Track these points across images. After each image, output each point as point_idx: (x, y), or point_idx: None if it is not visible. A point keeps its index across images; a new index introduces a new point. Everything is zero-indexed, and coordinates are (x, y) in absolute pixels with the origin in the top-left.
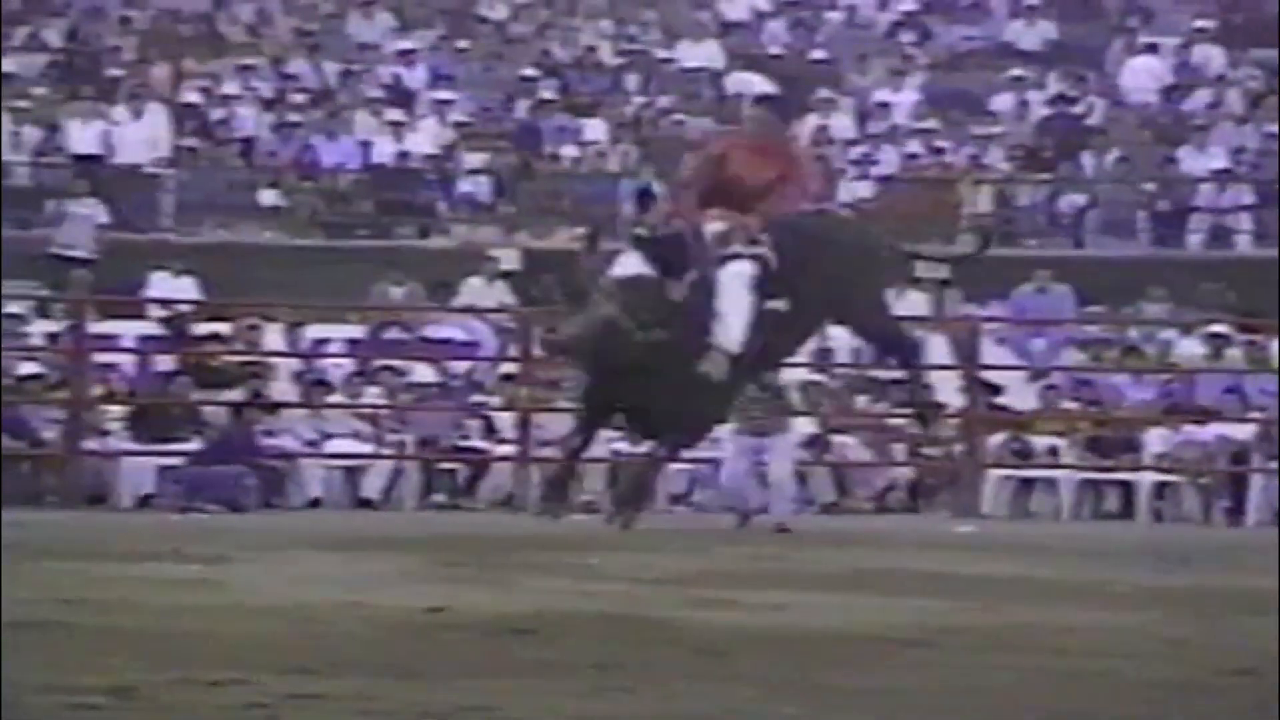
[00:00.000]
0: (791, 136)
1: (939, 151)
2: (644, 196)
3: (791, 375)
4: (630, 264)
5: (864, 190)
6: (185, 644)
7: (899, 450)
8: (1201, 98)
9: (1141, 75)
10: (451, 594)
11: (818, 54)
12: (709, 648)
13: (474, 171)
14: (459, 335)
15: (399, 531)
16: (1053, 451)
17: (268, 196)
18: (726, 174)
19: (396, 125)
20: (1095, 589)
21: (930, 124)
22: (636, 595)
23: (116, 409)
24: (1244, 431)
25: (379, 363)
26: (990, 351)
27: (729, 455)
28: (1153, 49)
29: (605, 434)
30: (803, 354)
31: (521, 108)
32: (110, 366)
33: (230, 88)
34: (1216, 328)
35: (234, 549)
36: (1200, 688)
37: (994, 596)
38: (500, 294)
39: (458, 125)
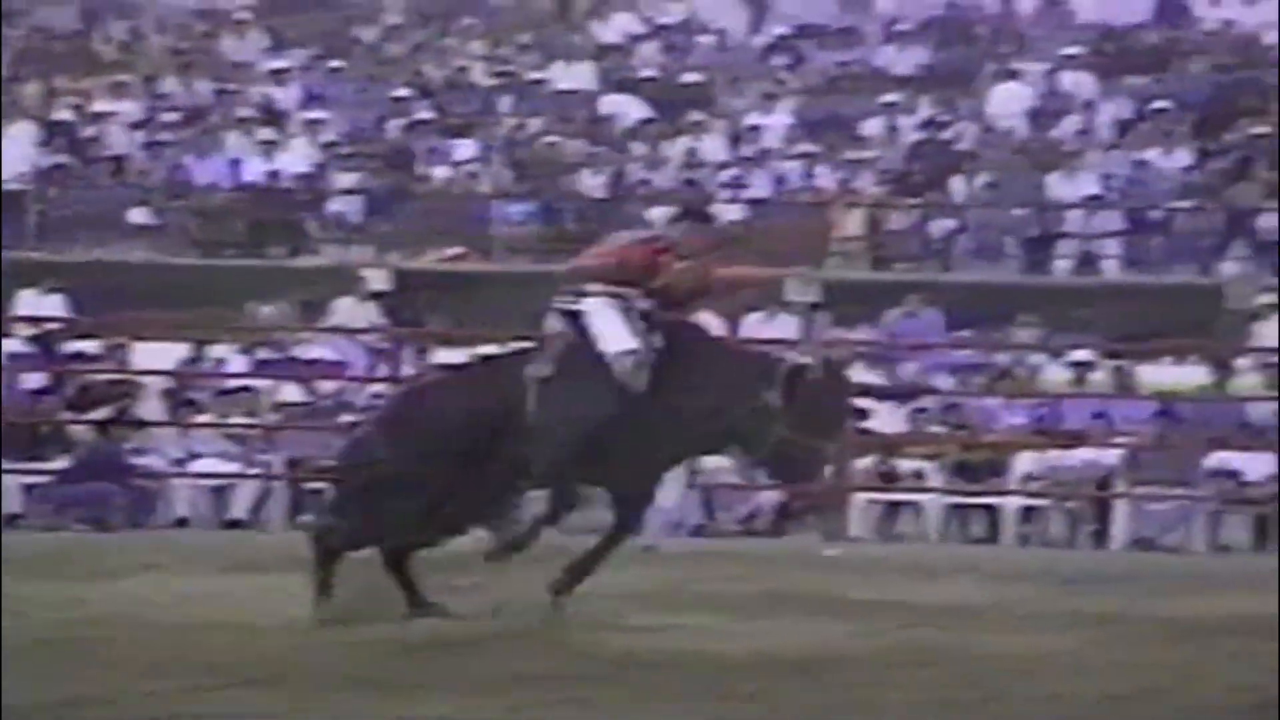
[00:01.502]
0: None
1: (810, 175)
2: None
3: None
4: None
5: (734, 214)
6: (72, 662)
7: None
8: (1071, 124)
9: (1010, 101)
10: (351, 612)
11: (690, 77)
12: (616, 669)
13: (346, 191)
14: (329, 355)
15: (271, 550)
16: (919, 475)
17: (139, 215)
18: None
19: (268, 144)
20: (985, 610)
21: (802, 148)
22: (538, 615)
23: None
24: (1110, 456)
25: (247, 382)
26: (859, 375)
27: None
28: (1021, 75)
29: None
30: None
31: (394, 128)
32: None
33: (102, 106)
34: (1080, 354)
35: (106, 568)
36: (1106, 705)
37: (881, 620)
38: (371, 314)
39: (330, 145)
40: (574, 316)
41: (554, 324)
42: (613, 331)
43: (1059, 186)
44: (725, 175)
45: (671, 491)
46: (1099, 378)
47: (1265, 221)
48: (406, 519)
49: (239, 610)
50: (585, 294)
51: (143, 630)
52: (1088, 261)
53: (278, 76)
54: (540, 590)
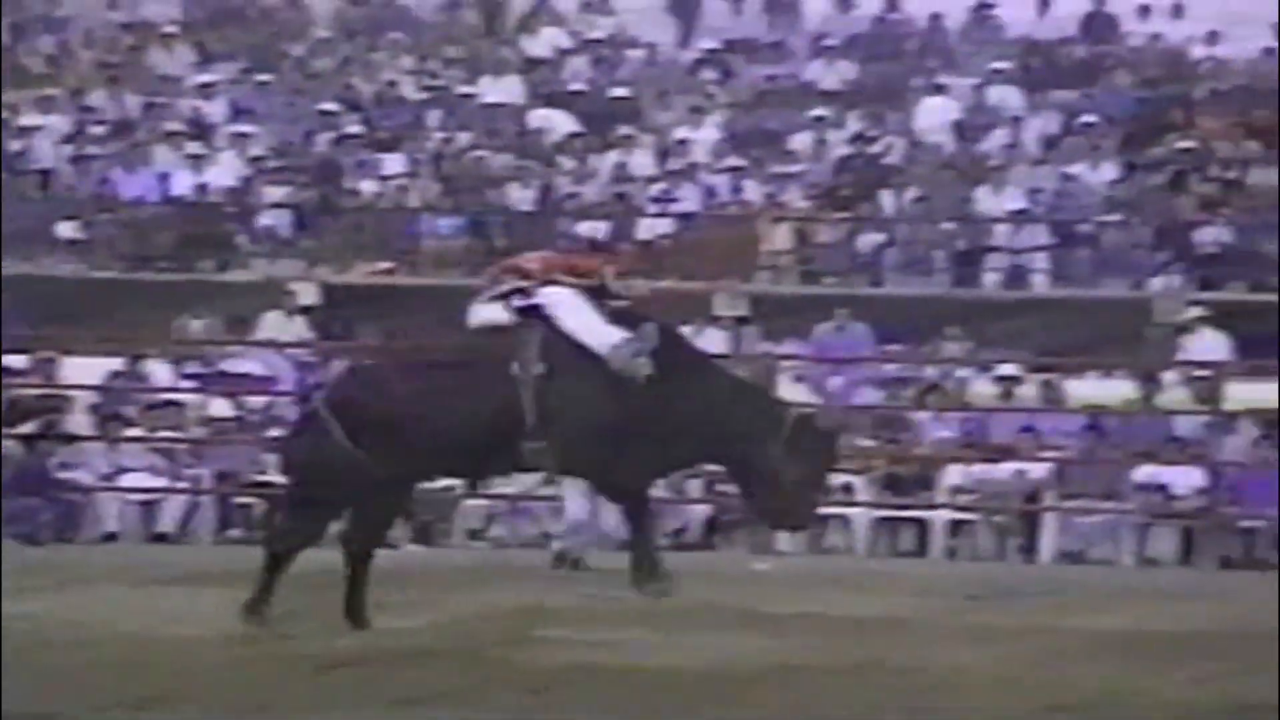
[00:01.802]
0: None
1: (738, 189)
2: None
3: None
4: None
5: (663, 228)
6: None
7: (695, 487)
8: (998, 138)
9: (938, 115)
10: (287, 627)
11: (619, 91)
12: (541, 685)
13: (274, 205)
14: (257, 369)
15: (201, 565)
16: (848, 489)
17: (67, 229)
18: None
19: (196, 158)
20: (915, 624)
21: (730, 162)
22: (461, 630)
23: None
24: (1038, 469)
25: (176, 396)
26: (788, 389)
27: (570, 496)
28: (948, 89)
29: None
30: None
31: (322, 142)
32: None
33: (29, 119)
34: (1006, 368)
35: (34, 583)
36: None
37: (817, 634)
38: (299, 328)
39: (258, 159)
40: (530, 310)
41: (496, 315)
42: (590, 325)
43: (987, 200)
44: (653, 189)
45: (578, 502)
46: (1027, 391)
47: (1194, 236)
48: (365, 506)
49: (167, 625)
50: (530, 288)
51: (71, 646)
52: (1016, 275)
53: (205, 90)
54: (469, 606)
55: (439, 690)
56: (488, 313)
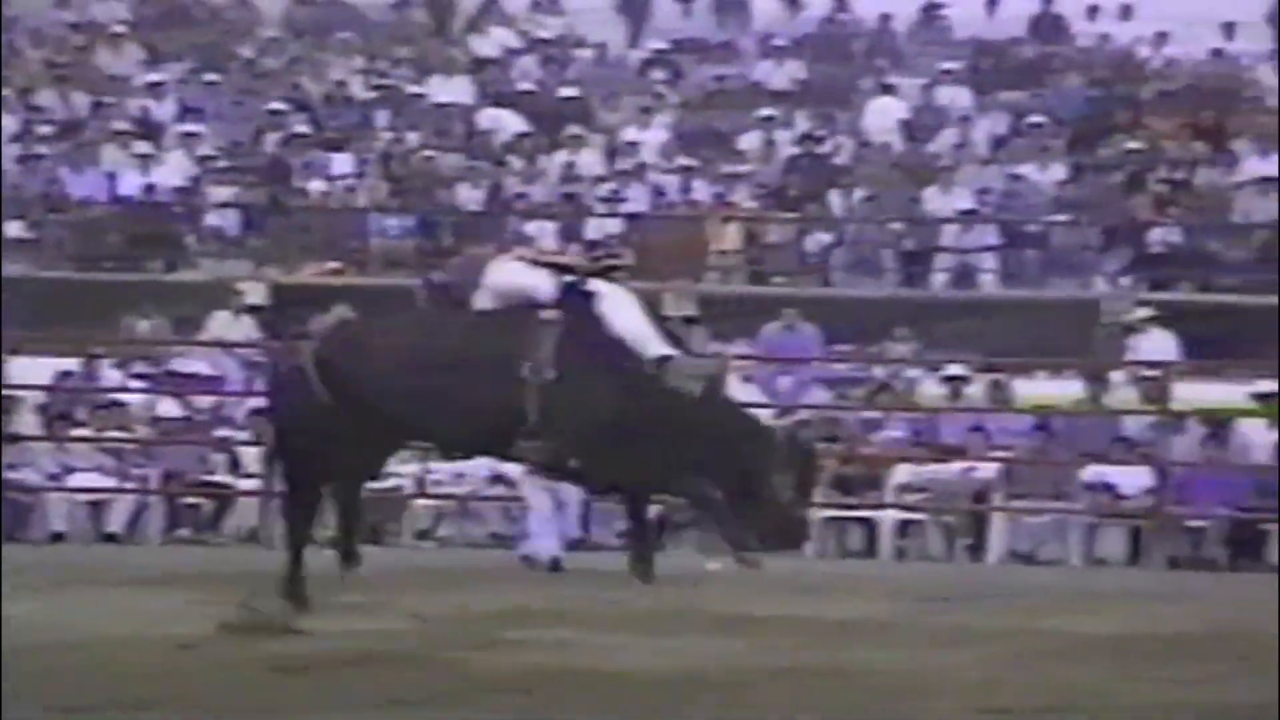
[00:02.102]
0: None
1: (687, 189)
2: None
3: None
4: None
5: (612, 228)
6: None
7: None
8: (947, 138)
9: (886, 115)
10: (206, 630)
11: (568, 91)
12: (499, 686)
13: (222, 205)
14: (205, 369)
15: (146, 567)
16: None
17: (14, 228)
18: None
19: (145, 158)
20: (868, 627)
21: (679, 162)
22: (419, 633)
23: None
24: (987, 470)
25: (124, 396)
26: (737, 389)
27: (533, 497)
28: (897, 89)
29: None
30: None
31: (271, 142)
32: None
33: None
34: (953, 369)
35: None
36: None
37: (773, 635)
38: (247, 328)
39: (206, 159)
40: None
41: (536, 283)
42: (642, 330)
43: (935, 201)
44: (602, 189)
45: (542, 502)
46: (976, 392)
47: (1143, 236)
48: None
49: (116, 626)
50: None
51: (20, 651)
52: (964, 276)
53: (154, 90)
54: (436, 608)
55: (412, 694)
56: (523, 278)
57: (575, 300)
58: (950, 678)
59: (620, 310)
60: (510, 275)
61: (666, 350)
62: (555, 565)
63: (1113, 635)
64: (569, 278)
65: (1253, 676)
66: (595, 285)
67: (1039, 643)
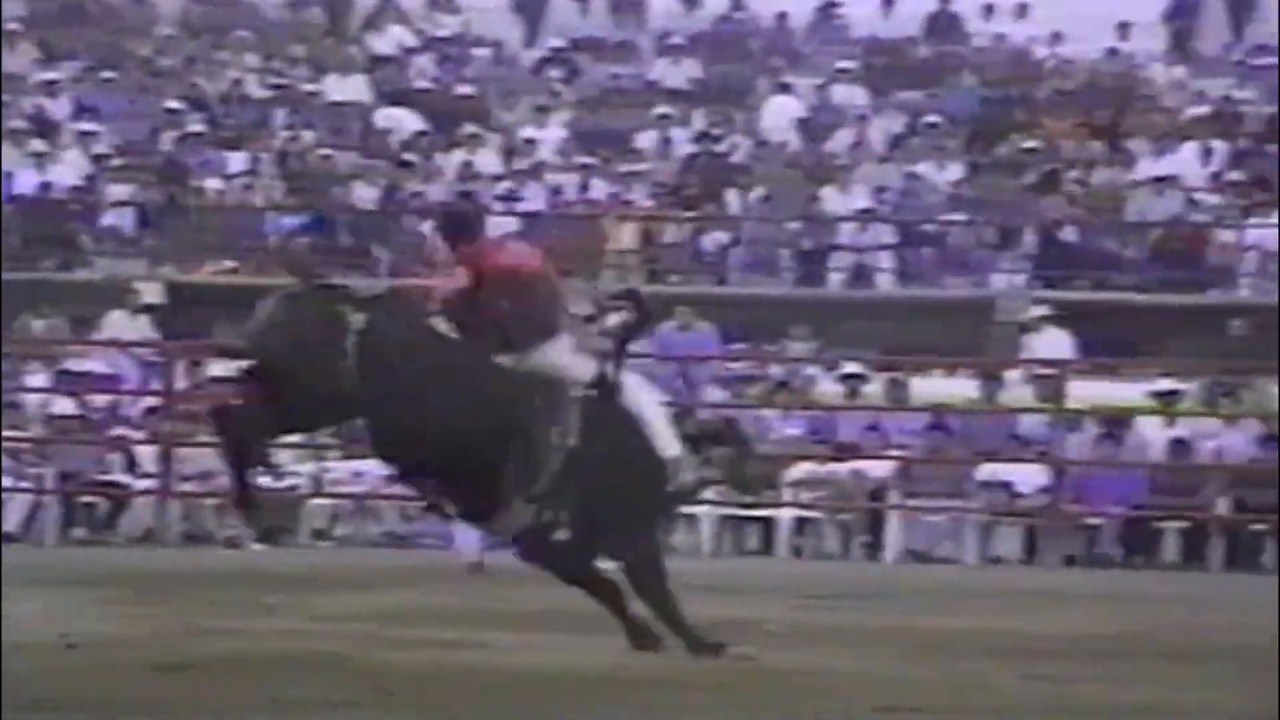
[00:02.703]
0: None
1: (585, 188)
2: None
3: None
4: None
5: (509, 226)
6: None
7: None
8: (844, 138)
9: (783, 114)
10: (120, 629)
11: (465, 89)
12: (391, 686)
13: (119, 204)
14: (101, 368)
15: (41, 567)
16: None
17: None
18: None
19: (40, 156)
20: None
21: (576, 161)
22: (304, 633)
23: None
24: (883, 468)
25: (19, 396)
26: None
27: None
28: (794, 88)
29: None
30: None
31: (167, 140)
32: None
33: None
34: (851, 367)
35: None
36: None
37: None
38: (143, 328)
39: (102, 157)
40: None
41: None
42: (663, 430)
43: (832, 200)
44: (499, 188)
45: None
46: (873, 390)
47: (1038, 235)
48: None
49: (9, 626)
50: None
51: None
52: (861, 275)
53: (49, 88)
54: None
55: (308, 694)
56: (567, 359)
57: (606, 385)
58: (845, 676)
59: (644, 404)
60: (556, 355)
61: (677, 451)
62: (480, 568)
63: (1008, 633)
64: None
65: (1145, 675)
66: (626, 375)
67: (933, 641)
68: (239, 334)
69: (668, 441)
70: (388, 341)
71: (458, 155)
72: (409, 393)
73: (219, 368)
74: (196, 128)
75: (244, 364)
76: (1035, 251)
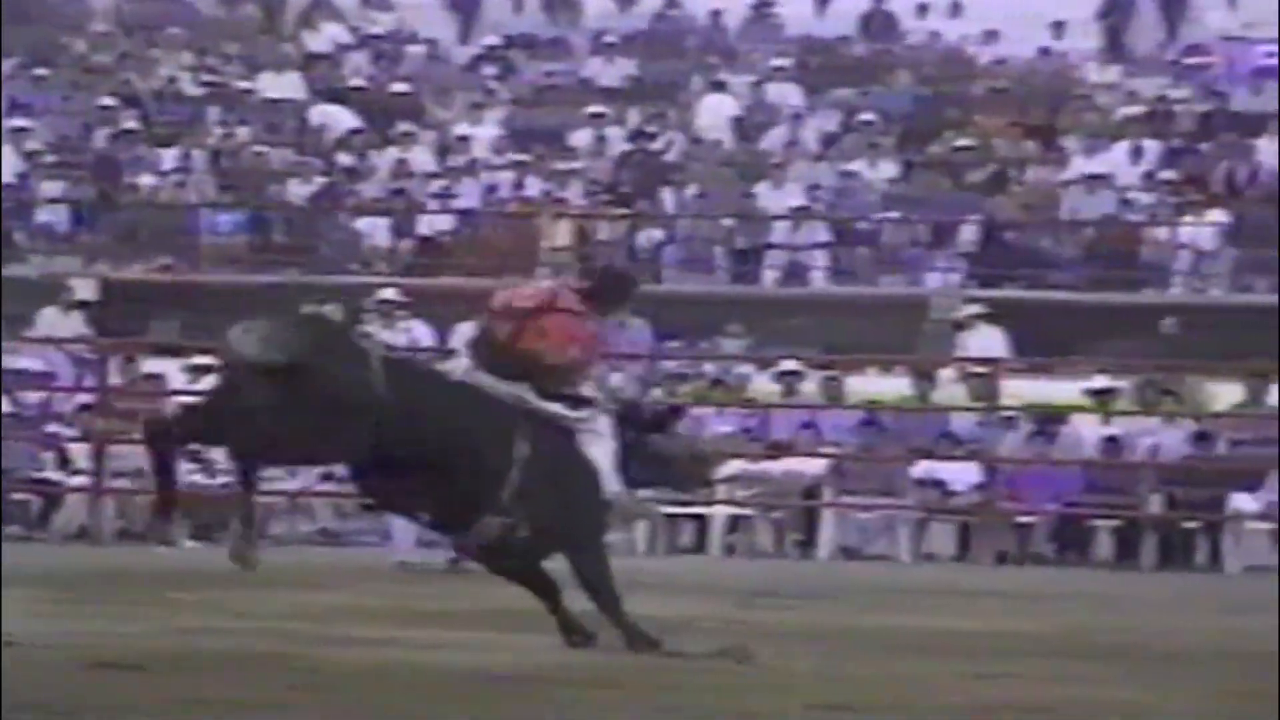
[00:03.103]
0: None
1: (519, 186)
2: None
3: None
4: None
5: (443, 224)
6: None
7: None
8: (778, 136)
9: (718, 112)
10: (54, 627)
11: (399, 87)
12: (312, 684)
13: (52, 201)
14: (35, 365)
15: None
16: None
17: None
18: None
19: None
20: (681, 625)
21: (511, 158)
22: (236, 631)
23: None
24: (817, 466)
25: None
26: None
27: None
28: (728, 86)
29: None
30: None
31: (101, 137)
32: None
33: None
34: (788, 364)
35: None
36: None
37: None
38: (77, 324)
39: (35, 154)
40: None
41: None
42: (609, 466)
43: (766, 198)
44: (434, 186)
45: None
46: (807, 388)
47: (972, 233)
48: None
49: None
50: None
51: None
52: (795, 273)
53: None
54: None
55: (240, 692)
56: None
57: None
58: (778, 674)
59: (598, 440)
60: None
61: (617, 490)
62: (405, 566)
63: (941, 631)
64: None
65: (1078, 674)
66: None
67: (867, 639)
68: (248, 344)
69: (609, 480)
70: (402, 361)
71: (392, 153)
72: (418, 409)
73: (154, 364)
74: (130, 125)
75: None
76: (970, 250)
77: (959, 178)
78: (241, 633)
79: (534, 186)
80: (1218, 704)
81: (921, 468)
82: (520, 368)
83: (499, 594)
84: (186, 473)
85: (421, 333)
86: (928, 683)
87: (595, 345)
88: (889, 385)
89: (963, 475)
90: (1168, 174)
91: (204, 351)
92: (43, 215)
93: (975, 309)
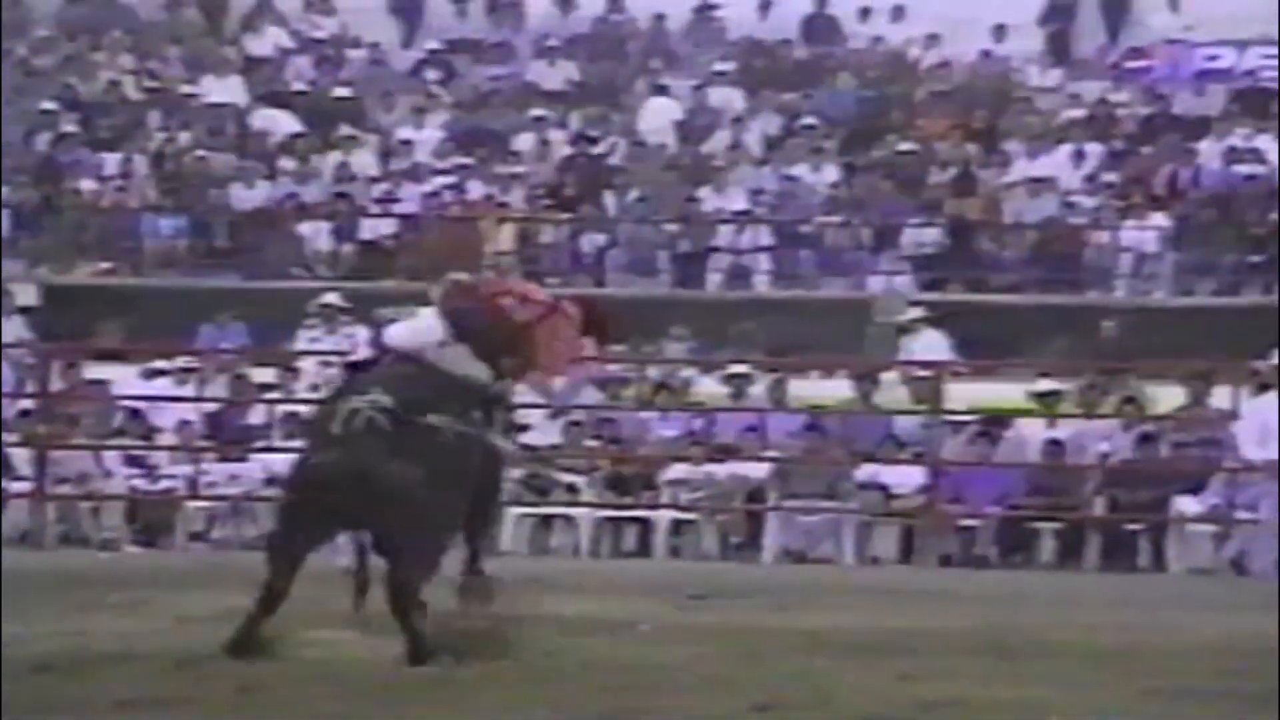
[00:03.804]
0: None
1: (462, 190)
2: None
3: None
4: None
5: (386, 228)
6: None
7: None
8: (721, 139)
9: (661, 116)
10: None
11: (342, 91)
12: (247, 686)
13: None
14: None
15: None
16: (571, 488)
17: None
18: None
19: None
20: (622, 625)
21: (453, 162)
22: (174, 634)
23: None
24: (761, 469)
25: None
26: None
27: None
28: (671, 90)
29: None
30: None
31: (43, 141)
32: None
33: None
34: (737, 368)
35: None
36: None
37: (530, 634)
38: (19, 329)
39: None
40: None
41: None
42: None
43: (709, 201)
44: (377, 189)
45: None
46: (752, 391)
47: (913, 236)
48: None
49: None
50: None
51: None
52: (739, 275)
53: None
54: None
55: (149, 694)
56: None
57: None
58: (722, 675)
59: None
60: None
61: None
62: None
63: (883, 631)
64: None
65: (1015, 675)
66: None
67: (808, 640)
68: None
69: None
70: None
71: (334, 156)
72: None
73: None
74: (72, 129)
75: None
76: (913, 253)
77: (901, 181)
78: (183, 634)
79: (477, 190)
80: (1142, 701)
81: (865, 471)
82: (506, 352)
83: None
84: (126, 477)
85: (364, 337)
86: (852, 682)
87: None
88: (833, 388)
89: (907, 478)
90: (1110, 177)
91: (160, 355)
92: None
93: (918, 312)
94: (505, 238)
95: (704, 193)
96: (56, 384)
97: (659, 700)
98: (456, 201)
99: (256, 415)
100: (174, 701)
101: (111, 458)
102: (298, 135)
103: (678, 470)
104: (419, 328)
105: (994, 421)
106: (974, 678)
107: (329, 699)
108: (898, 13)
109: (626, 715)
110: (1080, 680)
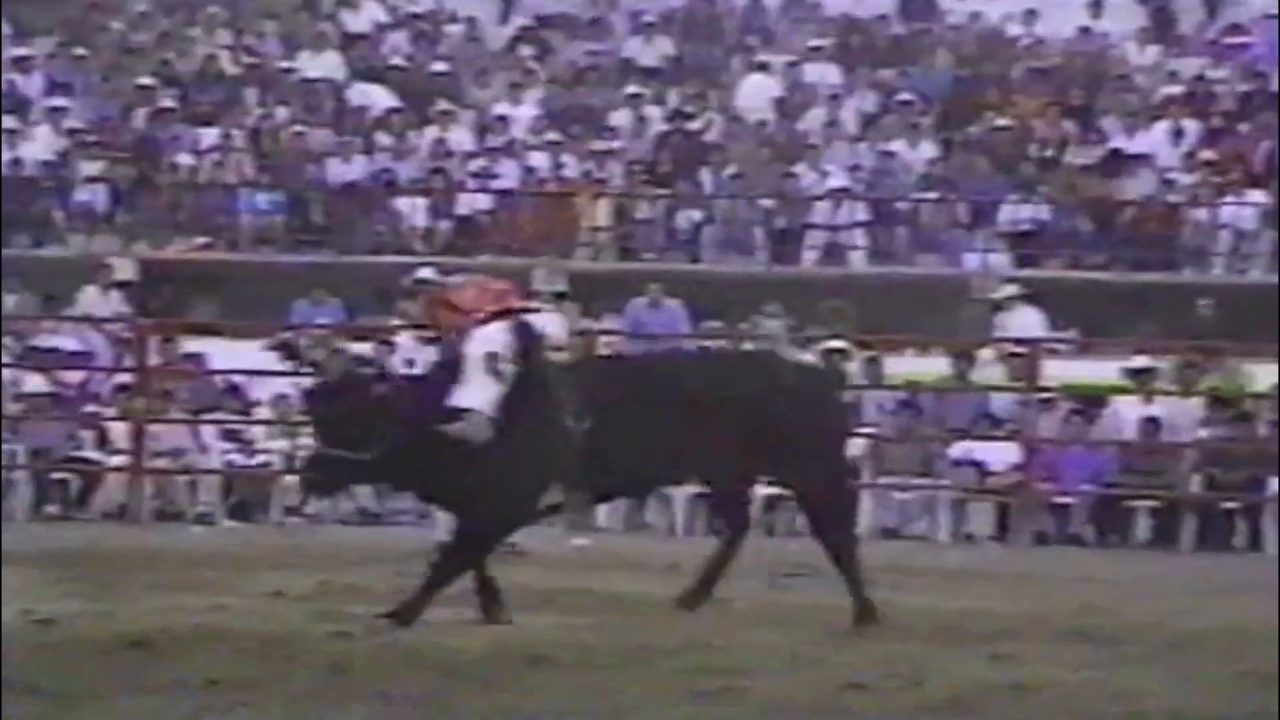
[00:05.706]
0: None
1: (558, 166)
2: None
3: None
4: None
5: (482, 204)
6: None
7: None
8: (817, 116)
9: (757, 93)
10: (67, 608)
11: (438, 66)
12: (339, 665)
13: (91, 180)
14: (73, 345)
15: (12, 545)
16: None
17: None
18: None
19: (12, 133)
20: (715, 605)
21: (549, 138)
22: (267, 612)
23: None
24: (857, 446)
25: None
26: None
27: None
28: (767, 67)
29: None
30: None
31: (140, 117)
32: None
33: None
34: (834, 343)
35: None
36: (828, 706)
37: (623, 613)
38: (116, 304)
39: (75, 133)
40: None
41: None
42: None
43: (805, 178)
44: (473, 165)
45: None
46: (852, 368)
47: (1011, 213)
48: None
49: None
50: None
51: None
52: (834, 253)
53: (21, 65)
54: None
55: (240, 674)
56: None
57: None
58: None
59: None
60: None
61: None
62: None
63: (970, 613)
64: None
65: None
66: None
67: (896, 621)
68: None
69: None
70: None
71: (431, 132)
72: None
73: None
74: (169, 104)
75: None
76: (1009, 230)
77: (998, 158)
78: (276, 612)
79: (572, 166)
80: (1227, 688)
81: (960, 448)
82: None
83: (516, 574)
84: (222, 452)
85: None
86: (943, 664)
87: None
88: (927, 365)
89: (1001, 455)
90: (1207, 154)
91: (253, 335)
92: (82, 195)
93: (1014, 289)
94: (601, 214)
95: (800, 169)
96: (153, 359)
97: (750, 680)
98: (552, 178)
99: None
100: (265, 681)
101: (208, 433)
102: (394, 111)
103: None
104: None
105: (1089, 399)
106: (1067, 661)
107: (419, 682)
108: None
109: (718, 695)
110: (1174, 664)
